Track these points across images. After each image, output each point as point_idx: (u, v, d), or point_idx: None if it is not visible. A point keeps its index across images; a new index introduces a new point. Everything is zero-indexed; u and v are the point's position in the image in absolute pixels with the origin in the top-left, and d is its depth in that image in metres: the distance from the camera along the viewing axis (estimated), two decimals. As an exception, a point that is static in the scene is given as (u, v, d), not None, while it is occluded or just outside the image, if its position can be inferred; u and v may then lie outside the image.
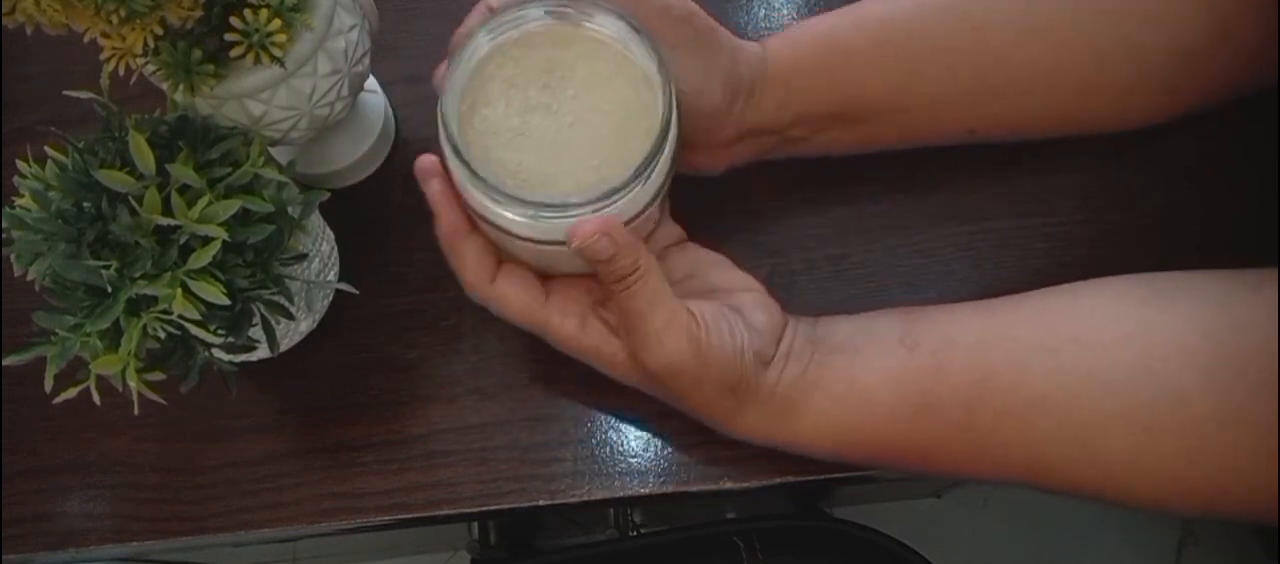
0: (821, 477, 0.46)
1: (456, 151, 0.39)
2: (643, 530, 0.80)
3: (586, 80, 0.41)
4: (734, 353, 0.41)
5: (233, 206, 0.38)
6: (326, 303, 0.50)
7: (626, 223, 0.40)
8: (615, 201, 0.39)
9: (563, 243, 0.40)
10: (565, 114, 0.41)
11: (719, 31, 0.44)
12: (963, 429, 0.40)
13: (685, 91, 0.42)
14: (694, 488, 0.47)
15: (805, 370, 0.42)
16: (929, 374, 0.41)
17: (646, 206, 0.41)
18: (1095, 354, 0.38)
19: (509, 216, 0.39)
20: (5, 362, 0.39)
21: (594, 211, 0.39)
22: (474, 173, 0.38)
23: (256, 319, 0.42)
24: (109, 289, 0.38)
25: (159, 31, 0.38)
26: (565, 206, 0.38)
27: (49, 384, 0.38)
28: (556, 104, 0.41)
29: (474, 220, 0.42)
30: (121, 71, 0.39)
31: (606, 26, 0.41)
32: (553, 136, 0.40)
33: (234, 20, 0.39)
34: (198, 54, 0.40)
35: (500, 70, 0.41)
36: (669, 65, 0.40)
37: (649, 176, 0.39)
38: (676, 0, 0.42)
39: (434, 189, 0.42)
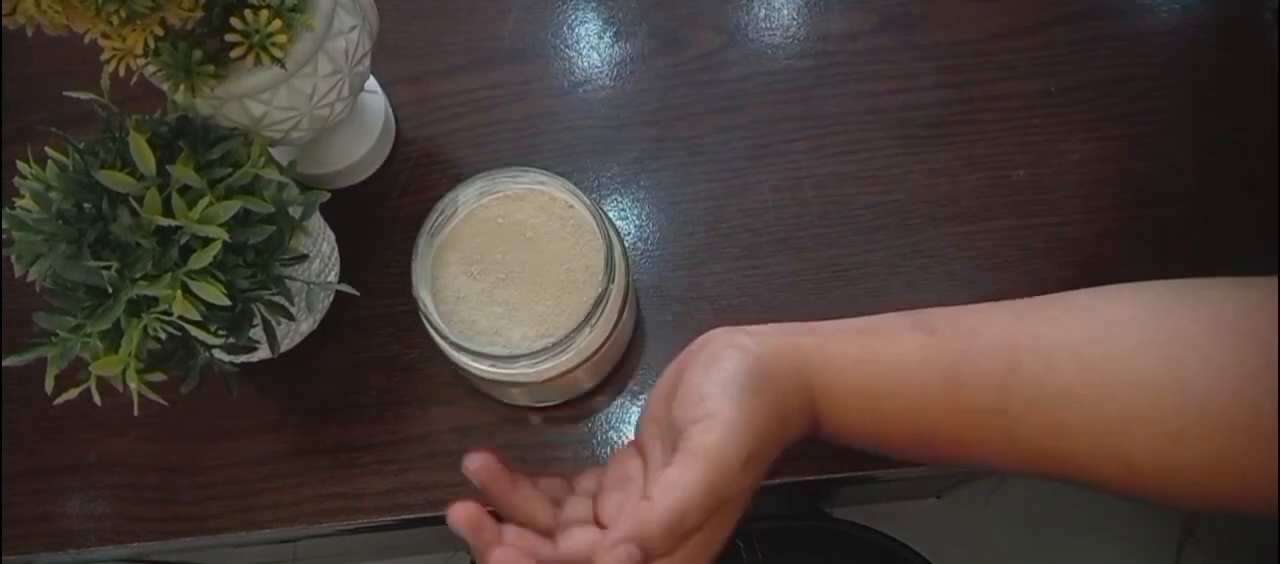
0: (821, 477, 0.46)
1: (444, 336, 0.44)
2: (643, 530, 0.79)
3: (537, 243, 0.46)
4: (729, 467, 0.37)
5: (233, 207, 0.38)
6: (327, 303, 0.50)
7: (582, 363, 0.44)
8: (563, 351, 0.43)
9: (527, 382, 0.44)
10: (522, 275, 0.45)
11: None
12: (995, 413, 0.39)
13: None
14: (694, 488, 0.47)
15: (816, 346, 0.40)
16: (956, 356, 0.40)
17: (601, 346, 0.44)
18: (1119, 356, 0.38)
19: (479, 367, 0.44)
20: (5, 362, 0.39)
21: (536, 363, 0.43)
22: (463, 349, 0.43)
23: (257, 320, 0.42)
24: (109, 290, 0.38)
25: (159, 32, 0.38)
26: (514, 358, 0.43)
27: (50, 385, 0.38)
28: (508, 268, 0.45)
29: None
30: (122, 72, 0.39)
31: (550, 192, 0.45)
32: (511, 297, 0.45)
33: (234, 21, 0.39)
34: (198, 55, 0.40)
35: (456, 255, 0.46)
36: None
37: (593, 325, 0.43)
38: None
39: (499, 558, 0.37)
